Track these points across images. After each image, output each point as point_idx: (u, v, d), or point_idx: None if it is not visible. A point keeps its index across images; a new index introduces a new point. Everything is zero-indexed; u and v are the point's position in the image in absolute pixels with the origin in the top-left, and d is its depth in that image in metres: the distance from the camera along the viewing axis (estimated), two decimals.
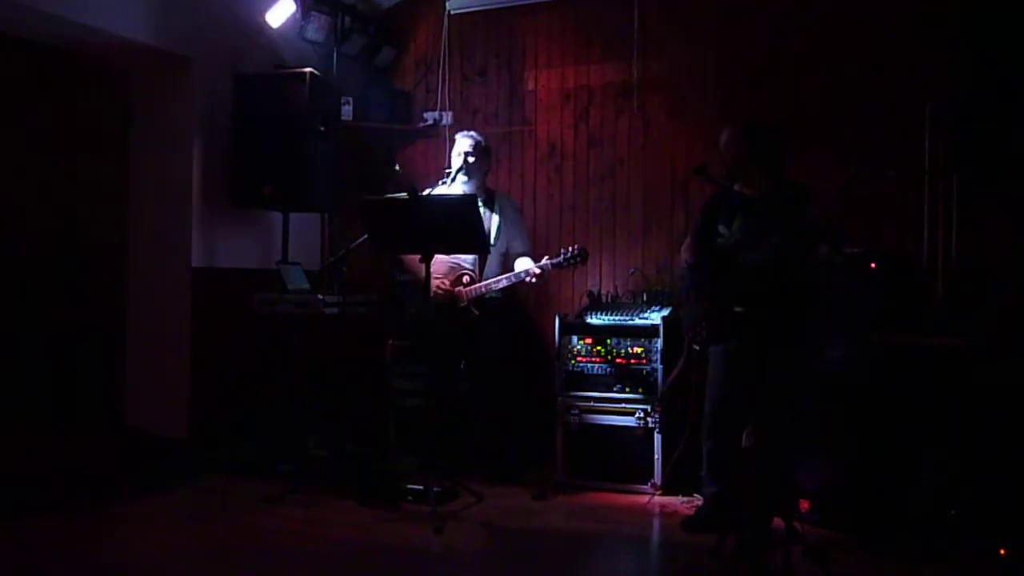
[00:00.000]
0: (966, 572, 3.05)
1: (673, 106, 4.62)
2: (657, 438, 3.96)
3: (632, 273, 4.64)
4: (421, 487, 3.65)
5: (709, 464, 3.51)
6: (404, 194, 3.65)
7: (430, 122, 5.11)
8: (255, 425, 4.37)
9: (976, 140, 3.68)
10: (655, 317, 4.05)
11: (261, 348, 4.50)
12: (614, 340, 4.08)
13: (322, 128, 4.48)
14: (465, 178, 4.16)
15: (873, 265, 3.60)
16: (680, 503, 3.83)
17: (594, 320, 4.13)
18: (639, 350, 4.04)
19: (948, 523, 3.21)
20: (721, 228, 3.37)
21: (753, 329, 3.05)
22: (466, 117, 5.08)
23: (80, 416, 4.83)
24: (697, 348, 3.61)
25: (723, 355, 3.43)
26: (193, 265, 4.42)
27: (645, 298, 4.35)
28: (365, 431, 4.17)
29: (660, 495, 3.93)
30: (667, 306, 4.16)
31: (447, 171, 4.21)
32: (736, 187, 3.41)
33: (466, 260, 4.23)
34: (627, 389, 4.03)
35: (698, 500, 3.68)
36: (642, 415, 3.98)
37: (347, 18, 4.94)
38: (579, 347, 4.13)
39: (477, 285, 4.13)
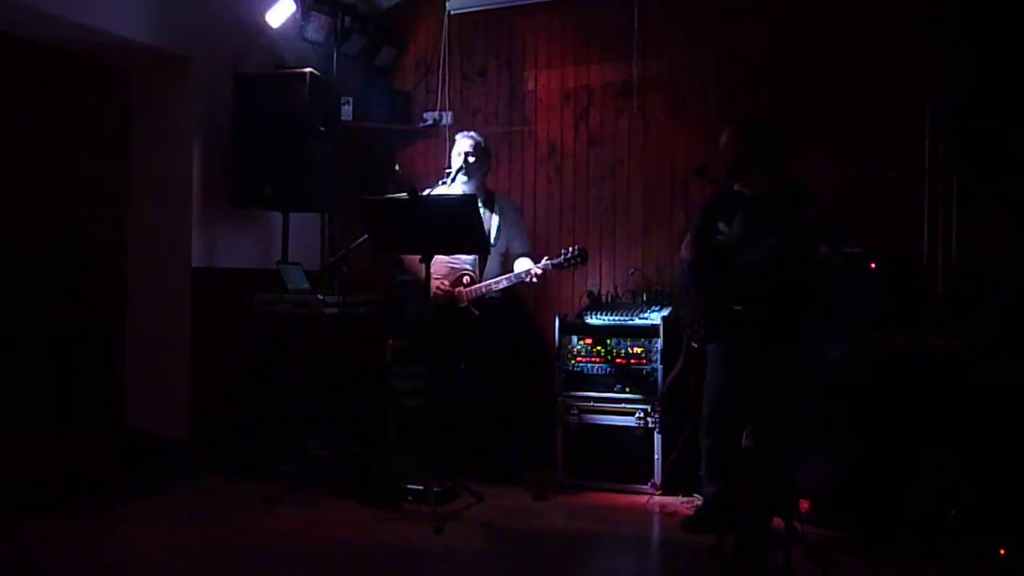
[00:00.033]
0: (966, 572, 3.05)
1: (673, 106, 4.62)
2: (657, 438, 3.96)
3: (632, 273, 4.64)
4: (421, 487, 3.65)
5: (708, 464, 3.51)
6: (404, 194, 3.65)
7: (430, 122, 5.11)
8: (255, 425, 4.36)
9: (976, 140, 3.68)
10: (655, 317, 4.05)
11: (261, 348, 4.50)
12: (614, 340, 4.08)
13: (322, 128, 4.48)
14: (465, 178, 4.16)
15: (873, 265, 3.60)
16: (680, 503, 3.83)
17: (594, 320, 4.13)
18: (639, 350, 4.04)
19: (948, 523, 3.21)
20: (721, 226, 3.37)
21: (752, 329, 3.05)
22: (466, 117, 5.08)
23: (80, 416, 4.84)
24: (695, 346, 3.62)
25: (721, 354, 3.43)
26: (193, 265, 4.42)
27: (645, 298, 4.35)
28: (365, 431, 4.17)
29: (660, 495, 3.93)
30: (667, 306, 4.16)
31: (447, 171, 4.21)
32: (736, 187, 3.41)
33: (466, 260, 4.23)
34: (627, 389, 4.03)
35: (698, 500, 3.68)
36: (642, 415, 3.98)
37: (347, 18, 4.94)
38: (579, 347, 4.13)
39: (477, 286, 4.13)
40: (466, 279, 4.16)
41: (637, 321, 4.07)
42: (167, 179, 4.49)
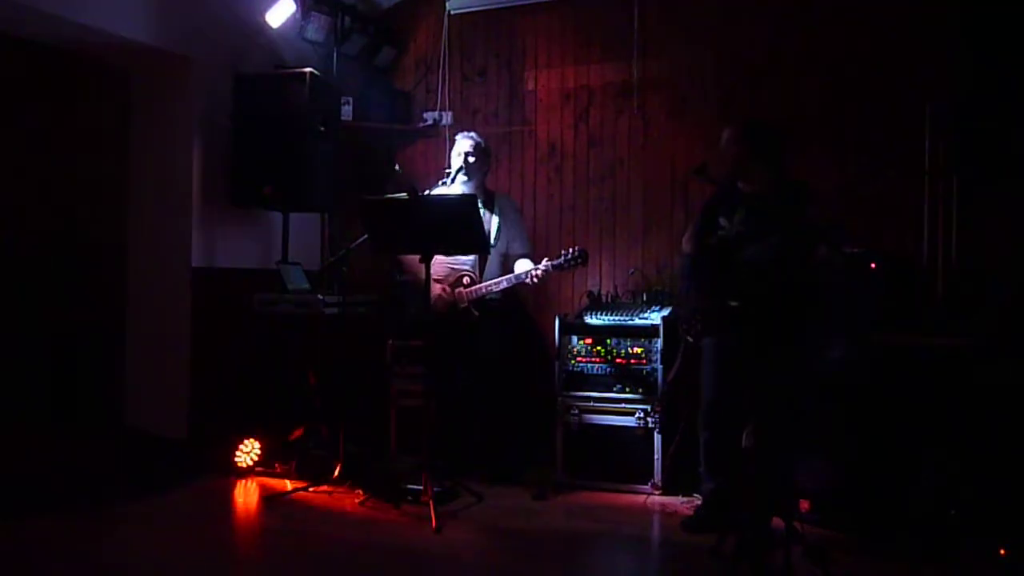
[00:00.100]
0: (966, 572, 3.05)
1: (673, 106, 4.62)
2: (657, 438, 3.96)
3: (632, 273, 4.64)
4: (421, 487, 3.65)
5: (706, 459, 3.52)
6: (404, 194, 3.65)
7: (430, 122, 5.11)
8: (255, 425, 4.36)
9: (976, 140, 3.68)
10: (655, 317, 4.05)
11: (261, 348, 4.50)
12: (614, 340, 4.08)
13: (322, 128, 4.48)
14: (465, 178, 4.16)
15: (873, 265, 3.60)
16: (680, 503, 3.83)
17: (594, 320, 4.13)
18: (639, 350, 4.04)
19: (948, 523, 3.20)
20: (722, 221, 3.37)
21: (749, 326, 3.05)
22: (466, 117, 5.08)
23: (80, 416, 4.84)
24: (691, 340, 3.63)
25: (716, 349, 3.44)
26: (193, 265, 4.42)
27: (645, 298, 4.35)
28: (365, 431, 4.16)
29: (660, 495, 3.93)
30: (667, 306, 4.16)
31: (447, 171, 4.21)
32: (740, 185, 3.41)
33: (466, 261, 4.23)
34: (627, 389, 4.03)
35: (698, 500, 3.68)
36: (642, 415, 3.98)
37: (347, 18, 4.94)
38: (579, 347, 4.13)
39: (477, 286, 4.13)
40: (466, 280, 4.16)
41: (637, 321, 4.07)
42: (167, 179, 4.49)
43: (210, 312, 4.45)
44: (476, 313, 4.13)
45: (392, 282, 4.57)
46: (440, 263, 4.14)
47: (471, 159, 4.16)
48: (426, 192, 4.06)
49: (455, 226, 3.69)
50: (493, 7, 5.01)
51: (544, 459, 4.18)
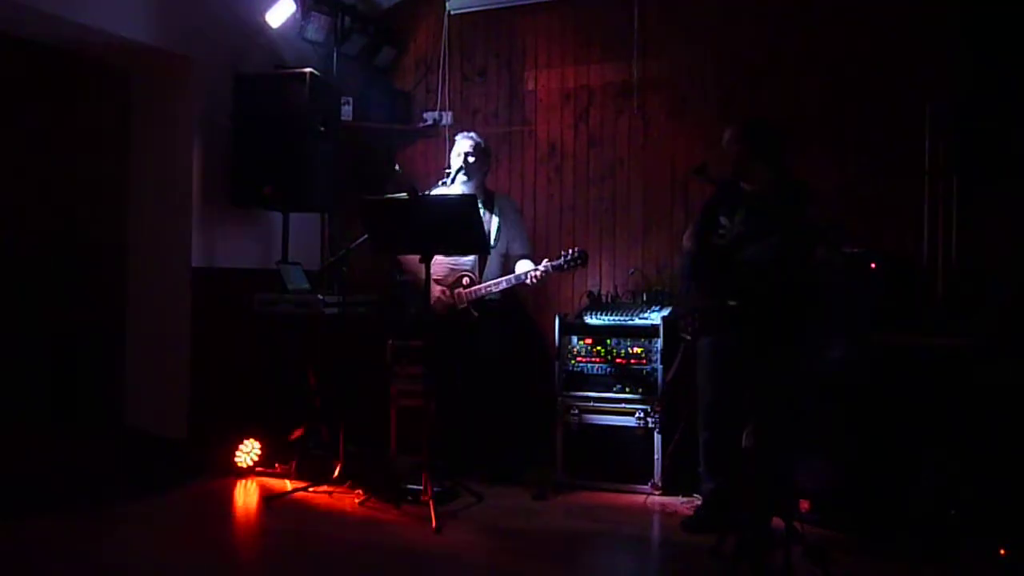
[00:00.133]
0: (966, 572, 3.05)
1: (673, 106, 4.62)
2: (657, 438, 3.96)
3: (632, 273, 4.64)
4: (421, 487, 3.66)
5: (706, 459, 3.52)
6: (404, 194, 3.65)
7: (430, 122, 5.11)
8: (255, 425, 4.36)
9: (976, 140, 3.68)
10: (655, 317, 4.05)
11: (261, 348, 4.50)
12: (614, 340, 4.08)
13: (322, 128, 4.48)
14: (465, 178, 4.16)
15: (873, 265, 3.61)
16: (680, 503, 3.83)
17: (594, 320, 4.13)
18: (639, 350, 4.04)
19: (948, 523, 3.21)
20: (723, 220, 3.37)
21: (751, 327, 3.05)
22: (466, 117, 5.08)
23: (80, 416, 4.84)
24: (688, 338, 3.64)
25: (714, 348, 3.45)
26: (193, 265, 4.42)
27: (645, 298, 4.35)
28: (365, 431, 4.16)
29: (660, 495, 3.93)
30: (667, 306, 4.16)
31: (447, 171, 4.21)
32: (743, 186, 3.41)
33: (466, 261, 4.23)
34: (627, 389, 4.03)
35: (698, 500, 3.68)
36: (642, 415, 3.98)
37: (347, 18, 4.94)
38: (579, 347, 4.13)
39: (476, 287, 4.13)
40: (465, 280, 4.16)
41: (637, 321, 4.07)
42: (167, 179, 4.49)
43: (210, 312, 4.45)
44: (475, 314, 4.13)
45: (392, 282, 4.57)
46: (440, 263, 4.14)
47: (471, 159, 4.16)
48: (426, 192, 4.06)
49: (455, 226, 3.69)
50: (493, 7, 5.01)
51: (544, 459, 4.18)
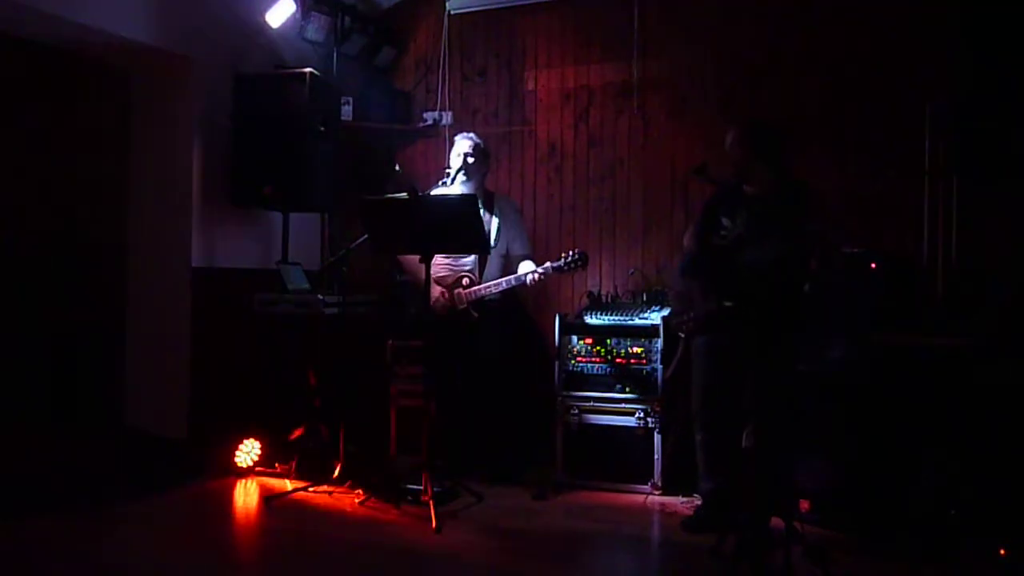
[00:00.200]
0: (966, 572, 3.05)
1: (673, 106, 4.62)
2: (657, 438, 3.96)
3: (632, 273, 4.64)
4: (421, 487, 3.65)
5: (703, 459, 3.52)
6: (404, 194, 3.65)
7: (430, 122, 5.11)
8: (255, 425, 4.36)
9: (976, 140, 3.67)
10: (655, 317, 4.05)
11: (261, 348, 4.50)
12: (614, 340, 4.08)
13: (322, 128, 4.48)
14: (464, 179, 4.16)
15: (873, 265, 3.60)
16: (680, 503, 3.83)
17: (594, 320, 4.13)
18: (639, 350, 4.04)
19: (948, 523, 3.20)
20: (724, 221, 3.37)
21: (751, 328, 3.06)
22: (466, 117, 5.08)
23: (80, 416, 4.84)
24: (682, 336, 3.64)
25: (708, 348, 3.45)
26: (193, 265, 4.42)
27: (645, 298, 4.35)
28: (365, 431, 4.16)
29: (660, 495, 3.93)
30: (667, 306, 4.15)
31: (447, 171, 4.21)
32: (746, 188, 3.41)
33: (466, 262, 4.23)
34: (627, 389, 4.03)
35: (698, 500, 3.68)
36: (642, 415, 3.98)
37: (347, 18, 4.94)
38: (579, 347, 4.13)
39: (476, 288, 4.13)
40: (465, 281, 4.16)
41: (637, 321, 4.07)
42: (167, 179, 4.49)
43: (210, 312, 4.45)
44: (475, 314, 4.13)
45: (392, 282, 4.57)
46: (440, 264, 4.14)
47: (470, 160, 4.16)
48: (425, 192, 4.06)
49: (455, 226, 3.69)
50: (493, 7, 5.01)
51: (544, 459, 4.18)
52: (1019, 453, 3.17)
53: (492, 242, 4.15)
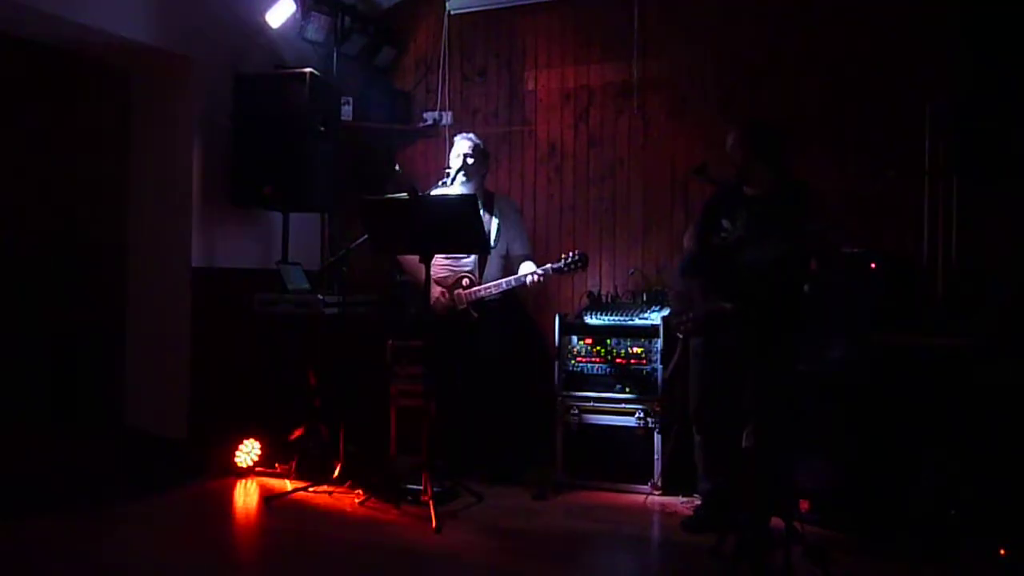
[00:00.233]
0: (966, 572, 3.05)
1: (673, 106, 4.62)
2: (657, 438, 3.96)
3: (632, 273, 4.64)
4: (421, 487, 3.65)
5: (702, 459, 3.52)
6: (404, 194, 3.65)
7: (430, 122, 5.11)
8: (255, 425, 4.36)
9: (976, 140, 3.67)
10: (655, 317, 4.05)
11: (261, 348, 4.50)
12: (614, 340, 4.08)
13: (322, 128, 4.48)
14: (464, 179, 4.16)
15: (873, 265, 3.60)
16: (680, 503, 3.83)
17: (594, 320, 4.13)
18: (639, 350, 4.04)
19: (948, 523, 3.20)
20: (725, 223, 3.37)
21: (748, 328, 3.06)
22: (466, 117, 5.08)
23: (80, 416, 4.84)
24: (680, 336, 3.65)
25: (704, 348, 3.45)
26: (193, 265, 4.41)
27: (645, 298, 4.35)
28: (365, 431, 4.16)
29: (660, 495, 3.93)
30: (667, 306, 4.15)
31: (447, 171, 4.21)
32: (746, 189, 3.41)
33: (466, 262, 4.23)
34: (627, 389, 4.03)
35: (698, 500, 3.68)
36: (642, 415, 3.98)
37: (347, 18, 4.94)
38: (579, 347, 4.13)
39: (475, 288, 4.13)
40: (465, 281, 4.16)
41: (637, 321, 4.07)
42: (167, 179, 4.49)
43: (210, 312, 4.45)
44: (475, 315, 4.13)
45: (392, 282, 4.57)
46: (440, 264, 4.14)
47: (470, 161, 4.16)
48: (425, 193, 4.06)
49: (455, 226, 3.69)
50: (493, 7, 5.01)
51: (544, 459, 4.18)
52: (1019, 453, 3.17)
53: (492, 242, 4.15)
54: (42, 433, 4.66)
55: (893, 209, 4.05)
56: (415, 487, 3.71)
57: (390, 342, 4.07)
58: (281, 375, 4.44)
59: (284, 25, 4.65)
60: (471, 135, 4.31)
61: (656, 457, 3.96)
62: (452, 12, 5.09)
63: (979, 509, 3.18)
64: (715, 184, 3.42)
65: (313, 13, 4.77)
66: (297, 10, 4.66)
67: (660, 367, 3.98)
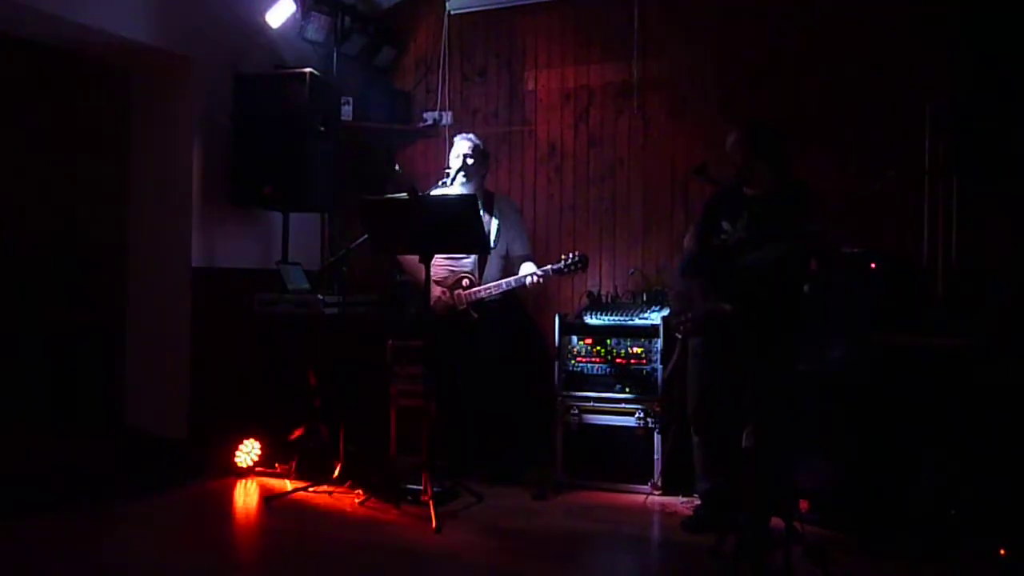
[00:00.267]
0: (966, 572, 3.05)
1: (673, 106, 4.62)
2: (657, 438, 3.96)
3: (632, 273, 4.64)
4: (421, 487, 3.65)
5: (700, 460, 3.52)
6: (404, 194, 3.65)
7: (430, 122, 5.11)
8: (255, 425, 4.36)
9: (976, 140, 3.67)
10: (655, 317, 4.05)
11: (261, 348, 4.50)
12: (614, 340, 4.08)
13: (322, 128, 4.48)
14: (464, 180, 4.16)
15: (873, 265, 3.60)
16: (680, 503, 3.83)
17: (594, 320, 4.13)
18: (639, 350, 4.04)
19: (948, 523, 3.20)
20: (725, 224, 3.37)
21: (748, 328, 3.06)
22: (466, 117, 5.08)
23: (80, 416, 4.84)
24: (679, 337, 3.65)
25: (703, 348, 3.45)
26: (193, 265, 4.42)
27: (645, 298, 4.35)
28: (365, 431, 4.16)
29: (660, 495, 3.93)
30: (667, 306, 4.15)
31: (447, 172, 4.21)
32: (746, 190, 3.41)
33: (466, 263, 4.23)
34: (627, 389, 4.03)
35: (697, 500, 3.68)
36: (642, 415, 3.98)
37: (347, 18, 4.94)
38: (579, 347, 4.13)
39: (475, 289, 4.13)
40: (465, 282, 4.16)
41: (637, 321, 4.07)
42: (167, 179, 4.49)
43: (210, 312, 4.45)
44: (475, 315, 4.13)
45: (392, 282, 4.57)
46: (440, 264, 4.14)
47: (469, 161, 4.16)
48: (425, 193, 4.06)
49: (455, 226, 3.69)
50: (493, 7, 5.01)
51: (544, 459, 4.18)
52: (1019, 453, 3.17)
53: (492, 243, 4.15)
54: (42, 433, 4.67)
55: (893, 209, 4.04)
56: (415, 487, 3.71)
57: (390, 342, 4.07)
58: (281, 375, 4.44)
59: (284, 25, 4.65)
60: (471, 135, 4.31)
61: (656, 457, 3.96)
62: (452, 12, 5.09)
63: (979, 509, 3.18)
64: (715, 184, 3.42)
65: (313, 13, 4.77)
66: (297, 10, 4.66)
67: (660, 367, 3.98)
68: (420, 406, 3.80)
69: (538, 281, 3.98)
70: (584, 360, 4.12)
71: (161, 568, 3.06)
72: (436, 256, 3.86)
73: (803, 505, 3.42)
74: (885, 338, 3.41)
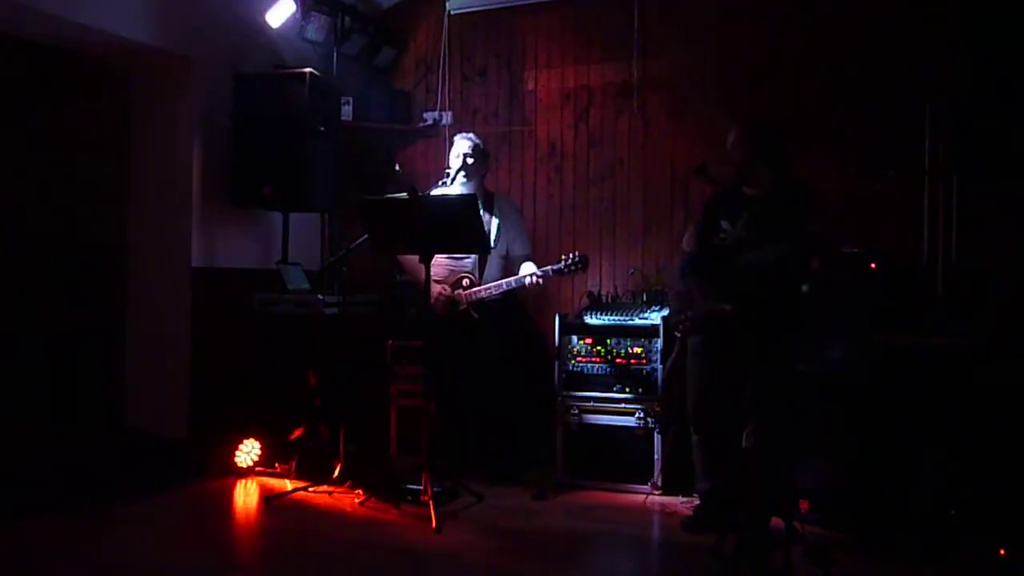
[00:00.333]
0: (966, 572, 3.05)
1: (673, 106, 4.62)
2: (657, 438, 3.96)
3: (632, 273, 4.64)
4: (421, 487, 3.66)
5: (700, 459, 3.52)
6: (404, 194, 3.66)
7: (430, 122, 5.11)
8: (255, 425, 4.36)
9: (976, 140, 3.67)
10: (655, 317, 4.05)
11: (261, 348, 4.50)
12: (614, 340, 4.08)
13: (322, 128, 4.49)
14: (464, 179, 4.16)
15: (873, 265, 3.60)
16: (680, 503, 3.83)
17: (594, 320, 4.13)
18: (639, 350, 4.04)
19: (948, 523, 3.20)
20: (724, 224, 3.37)
21: (748, 328, 3.06)
22: (466, 117, 5.08)
23: (80, 416, 4.84)
24: (677, 335, 3.65)
25: (702, 347, 3.45)
26: (193, 265, 4.42)
27: (645, 298, 4.35)
28: (365, 431, 4.16)
29: (660, 495, 3.93)
30: (667, 306, 4.15)
31: (447, 171, 4.21)
32: (746, 189, 3.41)
33: (466, 262, 4.23)
34: (627, 389, 4.03)
35: (697, 500, 3.68)
36: (642, 415, 3.98)
37: (347, 18, 4.94)
38: (579, 347, 4.13)
39: (476, 289, 4.13)
40: (465, 281, 4.16)
41: (637, 321, 4.07)
42: (167, 179, 4.49)
43: (210, 312, 4.45)
44: (475, 315, 4.13)
45: (392, 282, 4.57)
46: (440, 264, 4.14)
47: (469, 161, 4.16)
48: (425, 193, 4.06)
49: (455, 226, 3.69)
50: (493, 7, 5.01)
51: (544, 459, 4.18)
52: (1019, 453, 3.17)
53: (492, 242, 4.15)
54: (42, 433, 4.67)
55: (893, 209, 4.04)
56: (415, 487, 3.71)
57: (390, 342, 4.07)
58: (281, 375, 4.44)
59: (284, 25, 4.65)
60: (471, 135, 4.31)
61: (656, 457, 3.96)
62: (452, 12, 5.09)
63: (979, 509, 3.18)
64: (715, 184, 3.42)
65: (313, 13, 4.77)
66: (297, 10, 4.66)
67: (660, 367, 3.98)
68: (420, 406, 3.80)
69: (538, 281, 3.98)
70: (584, 360, 4.12)
71: (161, 568, 3.06)
72: (436, 256, 3.86)
73: (803, 505, 3.42)
74: (885, 338, 3.41)
